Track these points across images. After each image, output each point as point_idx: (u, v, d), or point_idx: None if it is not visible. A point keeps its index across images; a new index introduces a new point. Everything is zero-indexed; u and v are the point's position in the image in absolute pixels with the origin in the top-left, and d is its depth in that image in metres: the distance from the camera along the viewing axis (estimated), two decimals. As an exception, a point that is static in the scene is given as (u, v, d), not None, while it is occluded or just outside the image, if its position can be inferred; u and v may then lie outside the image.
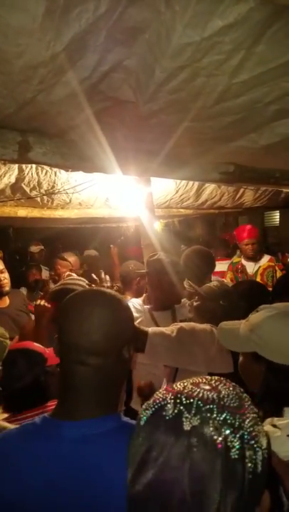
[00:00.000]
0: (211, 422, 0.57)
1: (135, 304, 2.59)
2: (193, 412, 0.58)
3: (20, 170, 2.73)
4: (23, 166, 2.69)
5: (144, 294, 2.79)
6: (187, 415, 0.57)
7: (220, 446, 0.56)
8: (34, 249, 5.02)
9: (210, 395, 0.62)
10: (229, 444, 0.56)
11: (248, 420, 0.60)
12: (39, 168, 2.84)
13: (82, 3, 0.95)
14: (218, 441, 0.56)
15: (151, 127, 1.74)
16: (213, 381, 0.67)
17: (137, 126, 1.76)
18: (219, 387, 0.65)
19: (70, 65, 1.18)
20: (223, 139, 1.76)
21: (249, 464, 0.56)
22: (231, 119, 1.50)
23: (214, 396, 0.62)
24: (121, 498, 0.79)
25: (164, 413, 0.60)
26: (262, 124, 1.61)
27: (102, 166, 2.04)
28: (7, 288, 2.83)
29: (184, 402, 0.59)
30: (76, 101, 1.42)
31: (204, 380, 0.67)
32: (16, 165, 2.62)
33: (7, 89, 1.22)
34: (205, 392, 0.62)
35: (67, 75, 1.24)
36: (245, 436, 0.58)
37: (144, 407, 0.65)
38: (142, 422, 0.62)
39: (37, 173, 2.86)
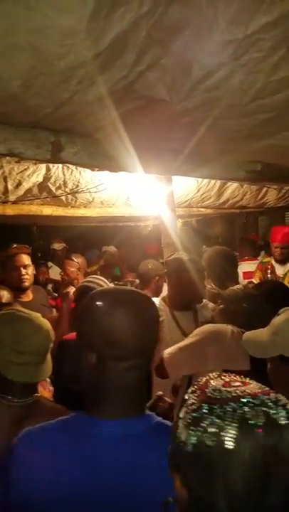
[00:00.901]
0: (285, 408, 0.58)
1: (156, 303, 2.60)
2: (272, 406, 0.58)
3: (48, 169, 2.77)
4: (50, 165, 2.72)
5: (163, 294, 2.79)
6: (273, 411, 0.57)
7: None
8: (57, 246, 5.10)
9: (252, 388, 0.62)
10: None
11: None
12: (65, 168, 2.87)
13: (127, 2, 0.95)
14: None
15: (182, 126, 1.73)
16: (230, 377, 0.67)
17: (167, 125, 1.76)
18: (242, 380, 0.66)
19: (109, 65, 1.19)
20: (255, 136, 1.75)
21: None
22: (266, 117, 1.48)
23: (255, 387, 0.63)
24: (158, 498, 0.79)
25: (263, 419, 0.57)
26: (297, 121, 1.59)
27: (128, 166, 2.05)
28: (27, 283, 2.89)
29: (257, 402, 0.58)
30: (110, 101, 1.43)
31: (225, 380, 0.67)
32: (44, 164, 2.66)
33: (46, 89, 1.24)
34: (248, 387, 0.63)
35: (104, 75, 1.24)
36: None
37: (212, 428, 0.59)
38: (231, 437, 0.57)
39: (63, 173, 2.90)
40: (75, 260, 3.89)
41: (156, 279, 3.28)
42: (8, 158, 2.16)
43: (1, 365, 1.25)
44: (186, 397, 0.66)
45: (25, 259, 2.92)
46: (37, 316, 1.40)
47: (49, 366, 1.36)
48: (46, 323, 1.38)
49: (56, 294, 4.20)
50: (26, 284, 2.89)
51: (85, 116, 1.60)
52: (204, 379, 0.68)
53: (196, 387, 0.67)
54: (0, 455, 0.95)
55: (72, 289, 3.07)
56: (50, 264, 5.10)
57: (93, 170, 2.68)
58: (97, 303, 0.93)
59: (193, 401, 0.64)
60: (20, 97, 1.24)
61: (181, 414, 0.64)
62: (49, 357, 1.37)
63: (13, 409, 1.26)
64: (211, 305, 2.57)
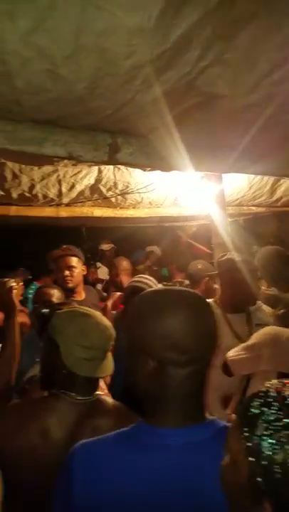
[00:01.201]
0: None
1: None
2: None
3: (99, 171, 2.81)
4: (102, 167, 2.76)
5: (215, 296, 2.73)
6: None
7: None
8: (105, 247, 5.19)
9: None
10: None
11: None
12: (116, 169, 2.89)
13: (196, -2, 0.94)
14: None
15: (241, 122, 1.68)
16: None
17: (225, 121, 1.72)
18: None
19: (173, 62, 1.18)
20: None
21: None
22: None
23: None
24: (221, 501, 0.76)
25: None
26: None
27: (181, 164, 2.02)
28: (70, 284, 2.89)
29: None
30: (169, 99, 1.42)
31: None
32: (96, 166, 2.70)
33: (110, 91, 1.25)
34: None
35: (168, 72, 1.23)
36: None
37: None
38: None
39: (114, 174, 2.92)
40: (119, 263, 3.96)
41: (206, 280, 3.22)
42: (65, 161, 2.22)
43: (68, 360, 1.26)
44: (256, 410, 0.61)
45: (70, 260, 2.95)
46: (98, 313, 1.43)
47: (110, 363, 1.38)
48: (106, 320, 1.40)
49: (106, 294, 4.28)
50: (70, 285, 2.91)
51: (142, 116, 1.59)
52: (272, 388, 0.63)
53: (266, 399, 0.62)
54: (64, 453, 0.96)
55: (117, 293, 3.13)
56: (98, 264, 5.20)
57: (145, 170, 2.68)
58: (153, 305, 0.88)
59: (277, 416, 0.59)
60: (84, 99, 1.26)
61: (260, 432, 0.59)
62: (110, 354, 1.39)
63: (76, 407, 1.28)
64: (265, 307, 2.48)
